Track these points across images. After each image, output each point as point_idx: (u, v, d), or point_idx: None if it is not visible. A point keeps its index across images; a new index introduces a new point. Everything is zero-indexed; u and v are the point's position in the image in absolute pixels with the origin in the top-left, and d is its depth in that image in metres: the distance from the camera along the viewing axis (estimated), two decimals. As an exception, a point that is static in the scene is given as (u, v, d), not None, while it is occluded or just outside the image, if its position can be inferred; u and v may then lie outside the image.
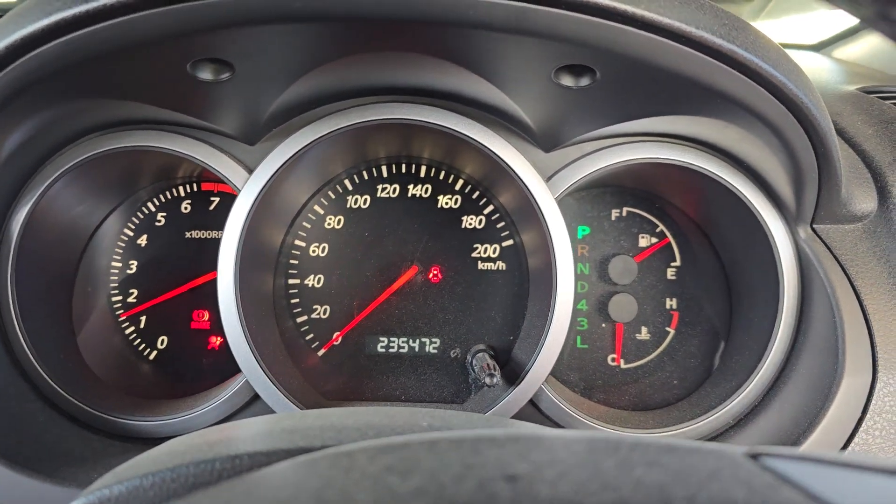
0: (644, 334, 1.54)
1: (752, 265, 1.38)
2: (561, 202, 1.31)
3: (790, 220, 1.28)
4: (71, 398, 1.29)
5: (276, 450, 0.73)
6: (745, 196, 1.29)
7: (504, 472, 0.47)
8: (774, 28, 2.34)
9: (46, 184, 1.27)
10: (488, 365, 1.29)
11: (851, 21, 2.11)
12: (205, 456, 0.73)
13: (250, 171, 1.29)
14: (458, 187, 1.52)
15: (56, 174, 1.27)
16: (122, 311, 1.56)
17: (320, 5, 0.87)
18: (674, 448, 0.52)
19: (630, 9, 0.87)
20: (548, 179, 1.31)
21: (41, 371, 1.28)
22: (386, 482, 0.47)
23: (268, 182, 1.26)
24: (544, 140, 1.29)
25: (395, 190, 1.53)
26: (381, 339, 1.52)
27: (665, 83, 1.02)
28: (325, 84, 1.17)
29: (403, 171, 1.53)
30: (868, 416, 1.14)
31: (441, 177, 1.53)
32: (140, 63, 1.00)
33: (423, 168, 1.53)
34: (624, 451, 0.51)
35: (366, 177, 1.53)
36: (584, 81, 1.05)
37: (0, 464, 1.07)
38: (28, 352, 1.28)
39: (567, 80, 1.05)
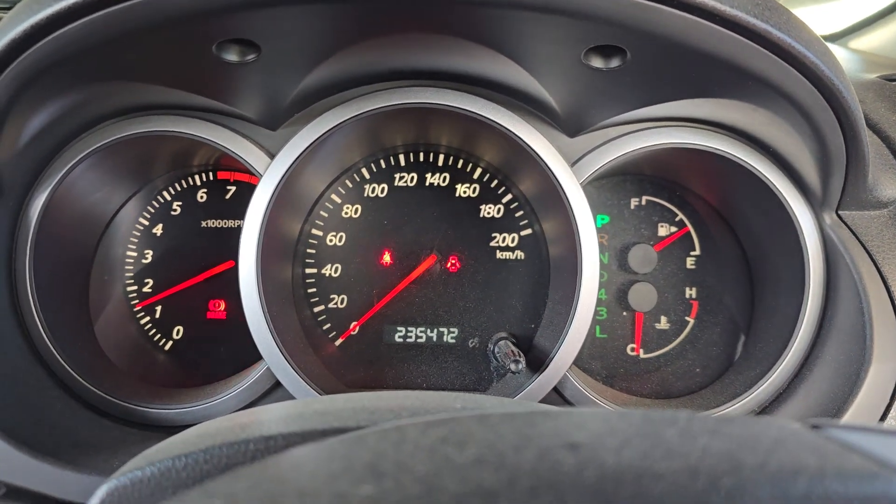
0: (664, 324, 1.53)
1: (776, 252, 1.37)
2: (583, 189, 1.30)
3: (816, 206, 1.27)
4: (89, 386, 1.28)
5: (311, 430, 0.72)
6: (770, 181, 1.27)
7: (564, 440, 0.46)
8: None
9: (66, 169, 1.26)
10: (513, 352, 1.28)
11: (867, 11, 2.10)
12: (237, 437, 0.72)
13: (272, 157, 1.28)
14: (476, 176, 1.51)
15: (76, 159, 1.26)
16: (137, 301, 1.55)
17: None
18: (732, 420, 0.51)
19: (664, -14, 0.86)
20: (573, 164, 1.30)
21: (59, 359, 1.27)
22: (443, 453, 0.46)
23: (290, 167, 1.25)
24: (569, 124, 1.28)
25: (412, 178, 1.52)
26: (399, 328, 1.51)
27: (696, 64, 1.01)
28: (349, 67, 1.16)
29: (421, 159, 1.52)
30: (897, 402, 1.13)
31: (459, 165, 1.52)
32: (167, 43, 0.99)
33: (441, 156, 1.52)
34: (682, 422, 0.50)
35: (383, 165, 1.52)
36: (615, 63, 1.04)
37: (21, 451, 1.05)
38: (46, 339, 1.27)
39: (597, 62, 1.04)
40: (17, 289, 1.26)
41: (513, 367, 1.24)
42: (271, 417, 0.80)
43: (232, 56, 1.03)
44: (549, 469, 0.42)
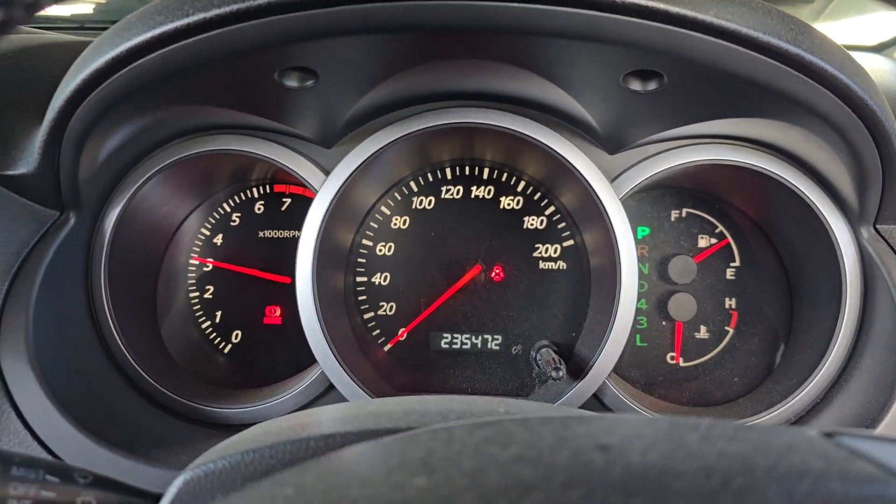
0: (703, 333, 1.57)
1: (814, 265, 1.40)
2: (622, 203, 1.35)
3: (853, 220, 1.30)
4: (159, 386, 1.37)
5: (365, 430, 0.78)
6: (807, 197, 1.31)
7: (596, 442, 0.51)
8: (834, 30, 2.33)
9: (137, 185, 1.35)
10: (554, 359, 1.34)
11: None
12: (298, 435, 0.78)
13: (327, 173, 1.36)
14: (519, 189, 1.57)
15: (146, 176, 1.35)
16: (198, 307, 1.64)
17: (404, 18, 0.92)
18: (751, 427, 0.55)
19: (700, 16, 0.91)
20: (612, 180, 1.35)
21: (132, 361, 1.37)
22: (487, 451, 0.52)
23: (344, 183, 1.33)
24: (609, 142, 1.33)
25: (458, 191, 1.58)
26: (445, 335, 1.57)
27: (731, 87, 1.05)
28: (400, 90, 1.23)
29: (467, 173, 1.58)
30: (931, 413, 1.16)
31: (503, 178, 1.58)
32: (233, 71, 1.07)
33: (486, 170, 1.58)
34: (704, 428, 0.55)
35: (430, 179, 1.58)
36: (652, 86, 1.09)
37: (100, 445, 1.14)
38: (120, 343, 1.36)
39: (635, 85, 1.09)
40: (94, 296, 1.36)
41: (554, 374, 1.29)
42: (329, 418, 0.86)
43: (292, 82, 1.10)
44: (581, 467, 0.47)
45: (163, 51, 0.98)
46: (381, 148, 1.32)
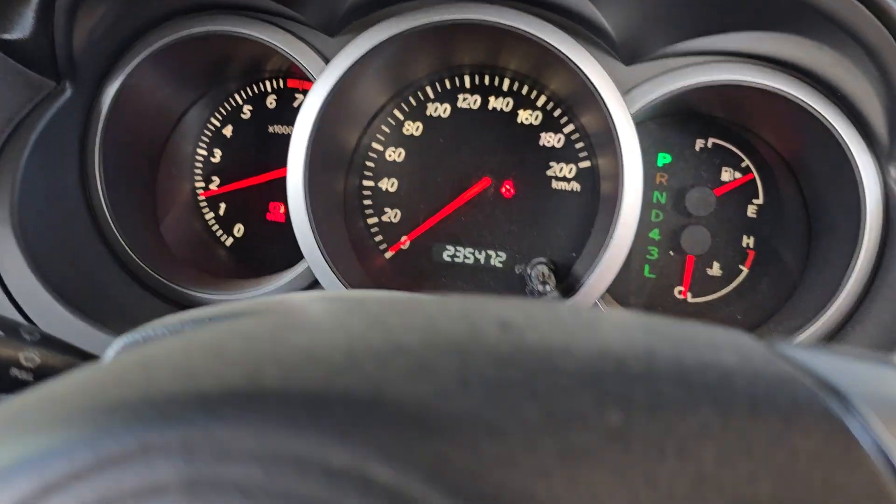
0: (716, 270, 1.50)
1: (835, 201, 1.31)
2: (643, 127, 1.28)
3: (882, 157, 1.20)
4: (144, 266, 1.38)
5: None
6: (834, 128, 1.21)
7: (499, 320, 0.47)
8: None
9: (137, 61, 1.33)
10: (543, 274, 1.29)
11: None
12: (232, 312, 0.76)
13: (328, 62, 1.31)
14: (540, 103, 1.50)
15: (146, 52, 1.33)
16: (203, 198, 1.62)
17: None
18: (683, 323, 0.50)
19: None
20: (626, 94, 1.27)
21: (120, 239, 1.37)
22: (383, 318, 0.48)
23: (343, 75, 1.27)
24: (625, 51, 1.25)
25: (475, 101, 1.52)
26: (448, 247, 1.53)
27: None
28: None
29: (486, 82, 1.52)
30: (937, 366, 1.09)
31: (524, 91, 1.51)
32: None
33: (507, 81, 1.51)
34: (627, 318, 0.50)
35: (448, 85, 1.52)
36: (667, -15, 1.01)
37: (74, 315, 1.15)
38: (110, 219, 1.36)
39: (649, -15, 1.02)
40: (87, 173, 1.36)
41: (540, 289, 1.25)
42: (267, 302, 0.84)
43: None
44: (469, 339, 0.43)
45: None
46: (386, 39, 1.26)
